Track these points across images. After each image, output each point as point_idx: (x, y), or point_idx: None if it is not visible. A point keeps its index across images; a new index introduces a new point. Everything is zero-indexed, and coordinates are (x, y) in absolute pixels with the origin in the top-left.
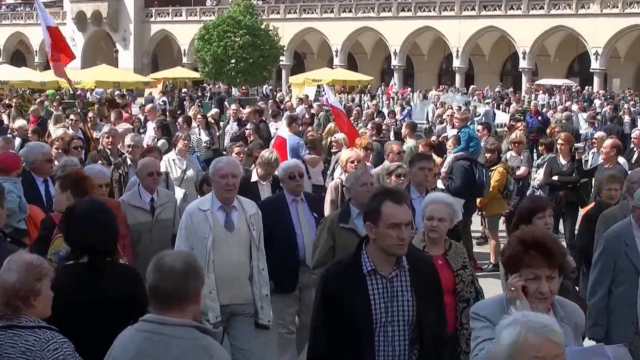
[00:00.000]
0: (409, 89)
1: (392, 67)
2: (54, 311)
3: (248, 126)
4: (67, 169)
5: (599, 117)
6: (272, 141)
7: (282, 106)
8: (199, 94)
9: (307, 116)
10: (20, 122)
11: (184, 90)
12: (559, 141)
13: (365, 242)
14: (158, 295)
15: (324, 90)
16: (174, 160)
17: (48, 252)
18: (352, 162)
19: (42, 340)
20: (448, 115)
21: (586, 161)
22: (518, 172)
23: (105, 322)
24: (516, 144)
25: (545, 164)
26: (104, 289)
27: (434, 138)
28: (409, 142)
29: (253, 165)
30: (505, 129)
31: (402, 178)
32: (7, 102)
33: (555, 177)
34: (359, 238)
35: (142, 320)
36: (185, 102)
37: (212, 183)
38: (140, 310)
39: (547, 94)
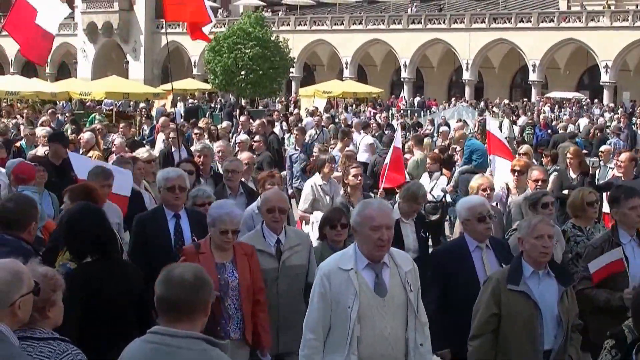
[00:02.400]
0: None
1: (402, 80)
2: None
3: (256, 138)
4: (199, 200)
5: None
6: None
7: (290, 118)
8: (212, 105)
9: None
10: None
11: (190, 100)
12: (568, 155)
13: None
14: (167, 307)
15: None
16: (320, 185)
17: (55, 263)
18: (484, 189)
19: (57, 352)
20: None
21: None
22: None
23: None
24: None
25: (555, 177)
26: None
27: (436, 151)
28: (416, 155)
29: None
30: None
31: (550, 208)
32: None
33: (565, 191)
34: (532, 304)
35: (151, 332)
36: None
37: (358, 235)
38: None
39: (556, 106)
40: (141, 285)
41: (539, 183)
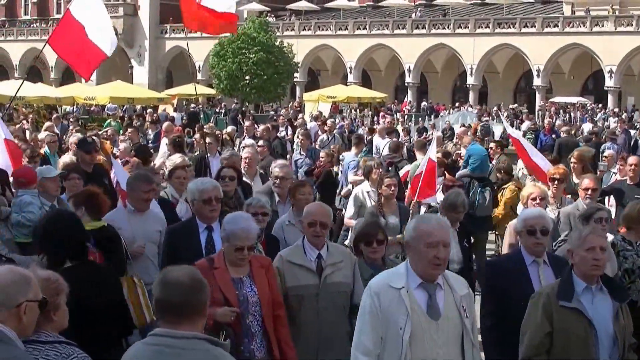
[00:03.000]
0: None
1: (406, 84)
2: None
3: (261, 143)
4: (252, 210)
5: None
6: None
7: (295, 123)
8: (217, 110)
9: (320, 133)
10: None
11: (192, 105)
12: (572, 160)
13: None
14: (169, 309)
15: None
16: (367, 192)
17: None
18: (534, 199)
19: (63, 355)
20: (458, 133)
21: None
22: None
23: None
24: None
25: None
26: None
27: (439, 155)
28: (419, 160)
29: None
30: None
31: (604, 223)
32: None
33: (568, 197)
34: (586, 322)
35: (152, 334)
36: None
37: (411, 251)
38: None
39: (560, 111)
40: (119, 287)
41: (589, 192)
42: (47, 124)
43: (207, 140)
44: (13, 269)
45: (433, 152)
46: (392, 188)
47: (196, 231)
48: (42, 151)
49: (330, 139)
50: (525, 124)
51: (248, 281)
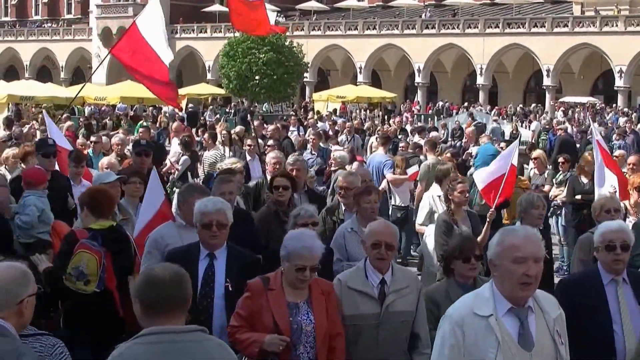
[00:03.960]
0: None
1: (415, 84)
2: None
3: (270, 142)
4: (301, 221)
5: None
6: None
7: (305, 122)
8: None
9: (331, 132)
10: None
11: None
12: (581, 162)
13: None
14: (161, 307)
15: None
16: (439, 196)
17: (68, 266)
18: (608, 211)
19: (48, 346)
20: (467, 133)
21: None
22: (544, 190)
23: None
24: (535, 160)
25: (568, 183)
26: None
27: (447, 155)
28: (430, 159)
29: None
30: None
31: None
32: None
33: (578, 197)
34: None
35: (147, 334)
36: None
37: (497, 270)
38: None
39: (570, 111)
40: (40, 281)
41: None
42: (68, 123)
43: (248, 142)
44: (12, 266)
45: (515, 156)
46: (466, 195)
47: (195, 258)
48: (86, 152)
49: (349, 139)
50: (534, 124)
51: (305, 307)
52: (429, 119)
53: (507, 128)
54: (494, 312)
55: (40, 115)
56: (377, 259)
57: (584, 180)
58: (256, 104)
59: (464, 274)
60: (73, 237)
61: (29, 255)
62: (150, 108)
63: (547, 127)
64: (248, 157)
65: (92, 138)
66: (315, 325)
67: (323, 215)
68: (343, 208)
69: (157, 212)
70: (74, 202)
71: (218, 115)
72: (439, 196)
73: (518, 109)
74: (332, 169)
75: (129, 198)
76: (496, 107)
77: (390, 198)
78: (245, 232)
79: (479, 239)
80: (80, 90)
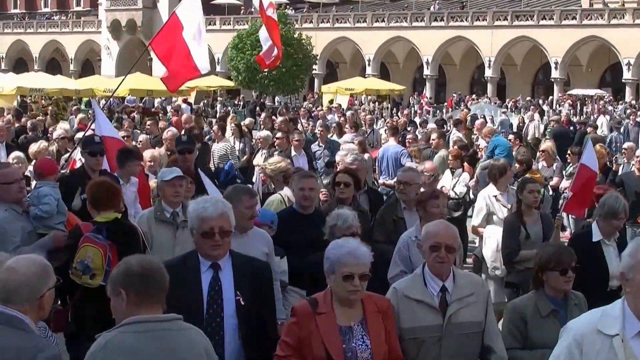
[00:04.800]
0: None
1: (424, 77)
2: None
3: (279, 135)
4: (339, 232)
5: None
6: None
7: (314, 113)
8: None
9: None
10: (65, 125)
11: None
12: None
13: None
14: (147, 297)
15: None
16: (495, 196)
17: (74, 260)
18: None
19: (42, 328)
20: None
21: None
22: (551, 183)
23: None
24: (543, 152)
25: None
26: None
27: (455, 147)
28: (441, 152)
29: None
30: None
31: None
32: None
33: None
34: None
35: (131, 322)
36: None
37: (629, 286)
38: None
39: (578, 103)
40: None
41: None
42: (81, 116)
43: (295, 137)
44: (32, 260)
45: (594, 160)
46: (536, 195)
47: (196, 270)
48: None
49: (369, 132)
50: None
51: (360, 330)
52: (437, 111)
53: (515, 120)
54: (620, 333)
55: (50, 108)
56: (436, 263)
57: None
58: (265, 96)
59: (557, 287)
60: (78, 230)
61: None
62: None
63: (555, 119)
64: (293, 153)
65: (122, 132)
66: (372, 352)
67: (381, 215)
68: (402, 207)
69: None
70: (123, 204)
71: (229, 108)
72: (495, 196)
73: (527, 100)
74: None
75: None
76: (511, 100)
77: None
78: (364, 232)
79: (550, 242)
80: (121, 82)
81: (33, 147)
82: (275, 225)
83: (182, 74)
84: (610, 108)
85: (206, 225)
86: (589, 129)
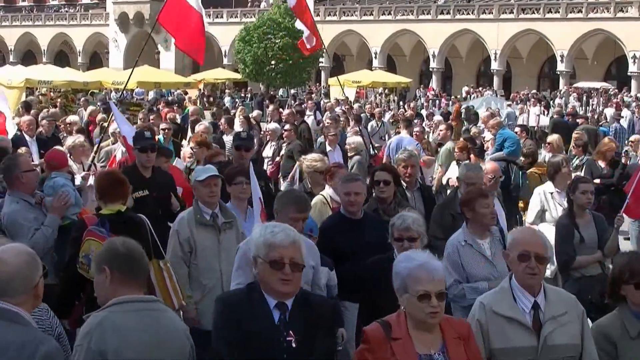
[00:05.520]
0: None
1: (430, 69)
2: None
3: (287, 127)
4: (396, 233)
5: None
6: None
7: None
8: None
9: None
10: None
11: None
12: (601, 147)
13: None
14: (134, 277)
15: None
16: (551, 193)
17: (79, 254)
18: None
19: (44, 310)
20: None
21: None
22: None
23: None
24: (548, 144)
25: (585, 167)
26: None
27: (461, 139)
28: (448, 144)
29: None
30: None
31: None
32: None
33: (597, 181)
34: None
35: (120, 302)
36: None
37: None
38: None
39: (584, 96)
40: None
41: None
42: (92, 108)
43: (330, 132)
44: (20, 250)
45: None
46: (589, 196)
47: (265, 311)
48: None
49: (379, 126)
50: (536, 109)
51: (441, 359)
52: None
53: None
54: None
55: (59, 101)
56: (526, 275)
57: (601, 164)
58: (274, 89)
59: (636, 302)
60: (82, 224)
61: None
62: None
63: (558, 111)
64: (328, 148)
65: (163, 125)
66: None
67: (439, 211)
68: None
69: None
70: (178, 203)
71: (237, 101)
72: (551, 193)
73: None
74: (348, 154)
75: (235, 201)
76: (517, 92)
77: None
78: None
79: (606, 246)
80: (131, 74)
81: (69, 141)
82: (316, 234)
83: (198, 38)
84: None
85: (275, 253)
86: (579, 120)
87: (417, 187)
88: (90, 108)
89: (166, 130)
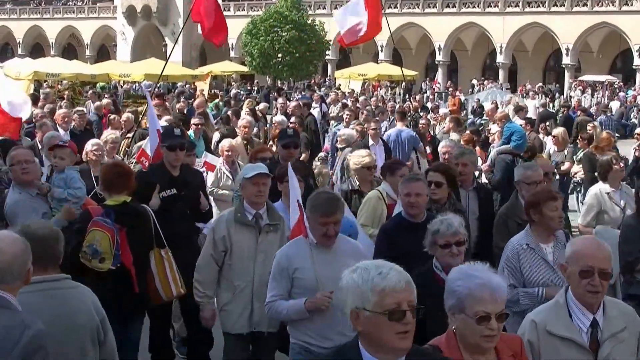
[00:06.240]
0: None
1: (436, 63)
2: None
3: (293, 119)
4: (442, 241)
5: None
6: None
7: (327, 100)
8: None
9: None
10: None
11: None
12: (600, 141)
13: None
14: (41, 258)
15: None
16: (608, 193)
17: (83, 245)
18: None
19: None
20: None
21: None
22: (563, 168)
23: None
24: (554, 137)
25: (582, 160)
26: None
27: (467, 132)
28: (453, 137)
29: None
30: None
31: None
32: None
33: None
34: None
35: (37, 282)
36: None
37: None
38: None
39: (590, 90)
40: None
41: None
42: (105, 101)
43: (372, 126)
44: (13, 238)
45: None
46: None
47: None
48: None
49: (391, 120)
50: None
51: None
52: (449, 96)
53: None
54: None
55: (66, 93)
56: (588, 293)
57: (599, 157)
58: (283, 82)
59: None
60: (87, 215)
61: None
62: (188, 86)
63: (565, 104)
64: (371, 142)
65: (195, 120)
66: None
67: (502, 219)
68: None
69: (296, 222)
70: (207, 202)
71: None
72: (608, 193)
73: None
74: (339, 146)
75: (286, 199)
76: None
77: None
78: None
79: None
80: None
81: (102, 137)
82: (356, 236)
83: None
84: (621, 94)
85: (391, 300)
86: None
87: (473, 186)
88: (105, 101)
89: (199, 126)
